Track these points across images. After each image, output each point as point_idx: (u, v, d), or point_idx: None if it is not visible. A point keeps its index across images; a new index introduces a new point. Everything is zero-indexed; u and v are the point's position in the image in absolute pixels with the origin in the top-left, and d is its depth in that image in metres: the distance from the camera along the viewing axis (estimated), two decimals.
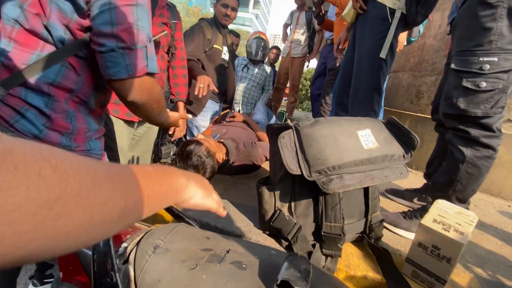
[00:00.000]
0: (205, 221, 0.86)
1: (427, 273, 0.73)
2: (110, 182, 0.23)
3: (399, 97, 2.15)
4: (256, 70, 2.66)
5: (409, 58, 2.13)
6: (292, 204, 0.78)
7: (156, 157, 1.98)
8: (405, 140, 0.78)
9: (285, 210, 0.78)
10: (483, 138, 0.86)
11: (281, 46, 3.48)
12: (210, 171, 1.06)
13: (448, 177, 0.94)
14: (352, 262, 0.78)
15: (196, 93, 1.50)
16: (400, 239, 0.95)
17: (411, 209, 1.03)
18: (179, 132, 1.58)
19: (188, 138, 1.75)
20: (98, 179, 0.22)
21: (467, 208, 0.97)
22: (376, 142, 0.74)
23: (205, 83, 1.53)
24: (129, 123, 1.27)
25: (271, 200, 0.80)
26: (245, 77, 2.68)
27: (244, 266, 0.41)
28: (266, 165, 1.35)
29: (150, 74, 0.59)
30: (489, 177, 1.07)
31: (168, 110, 0.78)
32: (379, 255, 0.79)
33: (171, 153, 1.74)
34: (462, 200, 0.94)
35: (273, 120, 2.21)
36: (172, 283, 0.36)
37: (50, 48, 0.53)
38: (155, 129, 1.48)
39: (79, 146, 0.65)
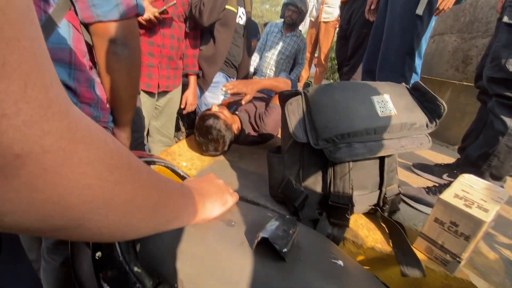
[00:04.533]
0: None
1: (441, 249, 0.69)
2: (148, 173, 0.26)
3: (443, 63, 1.90)
4: (289, 39, 2.48)
5: (459, 17, 1.84)
6: (300, 172, 0.77)
7: (183, 127, 2.06)
8: (430, 107, 0.70)
9: (293, 178, 0.78)
10: None
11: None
12: (229, 143, 1.09)
13: (484, 151, 0.84)
14: (361, 233, 0.77)
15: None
16: (419, 214, 0.90)
17: (437, 185, 0.96)
18: (190, 106, 1.60)
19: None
20: (141, 164, 0.25)
21: (502, 186, 0.87)
22: (395, 108, 0.67)
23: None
24: (150, 94, 1.32)
25: (280, 168, 0.80)
26: (275, 47, 2.51)
27: (233, 224, 0.43)
28: None
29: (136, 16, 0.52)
30: None
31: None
32: (391, 228, 0.76)
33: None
34: (497, 177, 0.84)
35: None
36: (161, 234, 0.39)
37: (51, 8, 0.48)
38: (177, 99, 1.52)
39: (104, 116, 0.64)
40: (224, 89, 1.10)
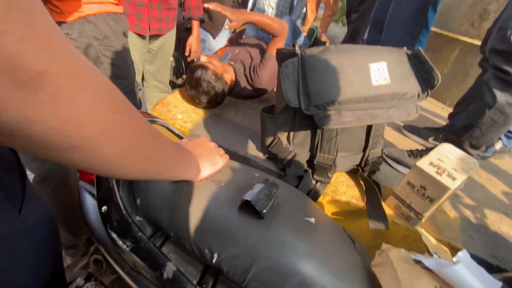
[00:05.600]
0: (212, 140, 0.94)
1: (408, 208, 0.78)
2: (143, 119, 0.30)
3: (459, 17, 1.76)
4: None
5: None
6: (291, 134, 0.81)
7: (179, 73, 1.99)
8: (426, 77, 0.70)
9: (283, 138, 0.82)
10: None
11: None
12: (221, 94, 1.08)
13: (469, 122, 0.87)
14: (340, 189, 0.85)
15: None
16: (397, 174, 0.98)
17: (420, 149, 1.02)
18: (194, 54, 1.52)
19: None
20: (135, 109, 0.29)
21: (478, 156, 0.93)
22: (389, 77, 0.67)
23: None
24: (141, 36, 1.24)
25: (272, 128, 0.83)
26: None
27: (222, 184, 0.48)
28: None
29: None
30: None
31: None
32: (368, 186, 0.84)
33: None
34: (475, 147, 0.89)
35: (301, 39, 1.99)
36: (158, 190, 0.45)
37: None
38: (171, 44, 1.44)
39: None
40: (226, 27, 1.05)
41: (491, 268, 0.72)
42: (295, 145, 0.81)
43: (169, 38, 1.41)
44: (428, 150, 0.99)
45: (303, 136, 0.79)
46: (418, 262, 0.46)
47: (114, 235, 0.40)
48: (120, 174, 0.30)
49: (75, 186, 0.50)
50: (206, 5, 1.03)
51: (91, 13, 0.82)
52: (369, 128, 0.80)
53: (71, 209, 0.90)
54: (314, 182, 0.82)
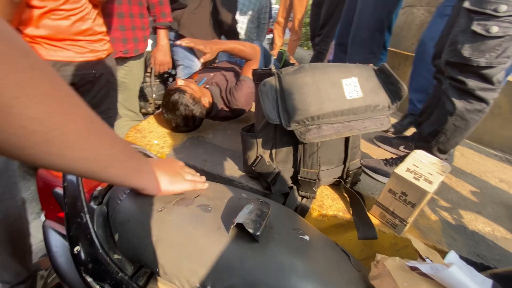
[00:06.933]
0: (192, 164, 0.91)
1: (392, 215, 0.80)
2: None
3: (410, 37, 1.97)
4: None
5: None
6: (273, 151, 0.80)
7: (144, 100, 1.89)
8: (393, 89, 0.75)
9: (266, 156, 0.81)
10: (479, 91, 0.83)
11: None
12: (199, 118, 1.06)
13: (435, 128, 0.93)
14: (325, 203, 0.85)
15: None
16: (377, 183, 1.01)
17: (394, 157, 1.07)
18: (159, 66, 1.41)
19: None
20: (59, 79, 0.26)
21: (446, 159, 0.99)
22: (361, 91, 0.71)
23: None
24: None
25: (254, 146, 0.82)
26: (241, 8, 2.31)
27: (209, 209, 0.46)
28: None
29: None
30: (483, 127, 1.06)
31: None
32: (352, 197, 0.85)
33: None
34: (443, 151, 0.96)
35: (272, 62, 2.07)
36: (140, 223, 0.40)
37: None
38: (138, 72, 1.40)
39: None
40: (202, 60, 1.05)
41: (477, 267, 0.74)
42: (278, 162, 0.81)
43: (136, 66, 1.37)
44: (401, 158, 1.04)
45: (285, 153, 0.79)
46: (414, 269, 0.46)
47: (89, 279, 0.35)
48: (51, 157, 0.25)
49: (23, 208, 0.43)
50: (178, 42, 1.03)
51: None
52: (347, 140, 0.82)
53: (20, 234, 0.77)
54: (300, 198, 0.81)
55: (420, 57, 1.24)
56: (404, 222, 0.77)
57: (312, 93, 0.67)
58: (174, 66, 1.72)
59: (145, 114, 1.83)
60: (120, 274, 0.36)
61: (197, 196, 0.48)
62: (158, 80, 1.84)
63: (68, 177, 0.40)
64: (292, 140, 0.77)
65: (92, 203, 0.42)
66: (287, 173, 0.82)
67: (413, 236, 0.79)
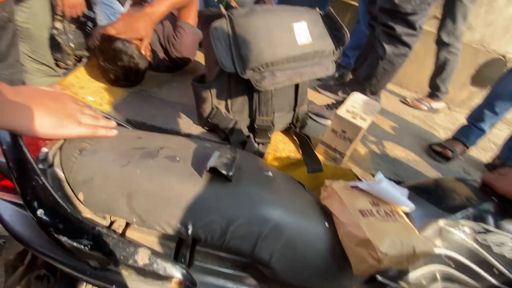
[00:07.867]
0: (140, 120, 0.85)
1: (333, 150, 0.92)
2: None
3: None
4: None
5: None
6: (229, 101, 0.80)
7: (60, 51, 1.57)
8: (337, 35, 0.80)
9: (222, 107, 0.81)
10: (405, 36, 0.94)
11: None
12: (142, 72, 0.96)
13: (368, 73, 1.05)
14: (279, 146, 0.92)
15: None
16: (320, 126, 1.12)
17: (334, 102, 1.19)
18: (69, 9, 1.21)
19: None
20: None
21: (376, 100, 1.15)
22: (310, 36, 0.74)
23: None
24: None
25: (208, 98, 0.80)
26: None
27: (177, 159, 0.46)
28: (200, 57, 1.27)
29: None
30: (403, 71, 1.23)
31: None
32: (301, 140, 0.94)
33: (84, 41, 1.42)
34: (374, 93, 1.10)
35: (213, 5, 1.89)
36: (106, 179, 0.39)
37: None
38: (41, 13, 1.13)
39: None
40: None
41: (396, 183, 0.95)
42: (234, 112, 0.82)
43: (38, 8, 1.10)
44: (339, 102, 1.17)
45: (241, 102, 0.81)
46: (354, 187, 0.57)
47: (63, 239, 0.34)
48: None
49: None
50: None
51: None
52: (296, 87, 0.87)
53: None
54: (256, 144, 0.86)
55: (364, 11, 1.30)
56: (343, 155, 0.91)
57: (265, 37, 0.66)
58: (90, 7, 1.43)
59: (66, 69, 1.55)
60: (96, 228, 0.36)
61: (161, 148, 0.47)
62: (74, 26, 1.52)
63: (4, 139, 0.34)
64: (247, 89, 0.78)
65: (41, 166, 0.38)
66: (243, 122, 0.84)
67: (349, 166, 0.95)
